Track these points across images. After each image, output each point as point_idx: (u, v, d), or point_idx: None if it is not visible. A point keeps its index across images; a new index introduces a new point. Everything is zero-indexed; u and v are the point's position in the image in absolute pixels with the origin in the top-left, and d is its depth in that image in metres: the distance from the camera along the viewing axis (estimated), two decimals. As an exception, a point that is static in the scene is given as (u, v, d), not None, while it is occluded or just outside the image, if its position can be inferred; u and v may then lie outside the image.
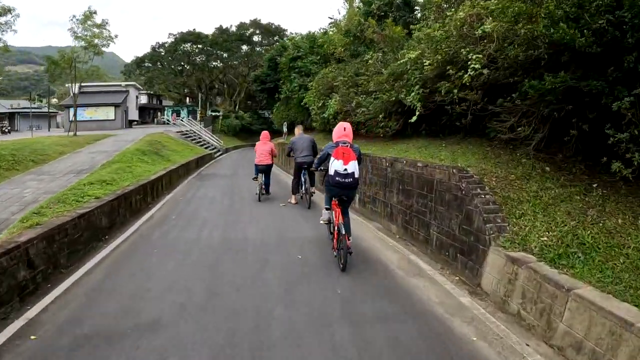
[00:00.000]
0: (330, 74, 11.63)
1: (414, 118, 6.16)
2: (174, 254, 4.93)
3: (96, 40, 18.53)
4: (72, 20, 18.03)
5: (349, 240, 4.22)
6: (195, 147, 20.55)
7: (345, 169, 4.23)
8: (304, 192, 8.02)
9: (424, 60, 5.89)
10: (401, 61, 6.49)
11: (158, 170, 10.12)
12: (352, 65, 11.15)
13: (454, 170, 4.34)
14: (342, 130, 4.58)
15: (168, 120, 35.66)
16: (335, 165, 4.26)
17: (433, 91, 6.12)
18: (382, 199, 6.35)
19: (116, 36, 19.69)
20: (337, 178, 4.26)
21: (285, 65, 17.09)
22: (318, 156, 5.04)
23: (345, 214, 4.54)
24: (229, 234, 5.81)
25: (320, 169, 5.08)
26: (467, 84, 5.09)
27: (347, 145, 4.38)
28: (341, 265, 4.26)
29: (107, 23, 19.03)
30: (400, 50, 8.59)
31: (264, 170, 8.51)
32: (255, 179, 8.68)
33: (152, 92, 45.65)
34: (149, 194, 8.11)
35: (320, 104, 11.27)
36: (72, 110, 30.01)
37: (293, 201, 8.03)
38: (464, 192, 4.14)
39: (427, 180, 4.88)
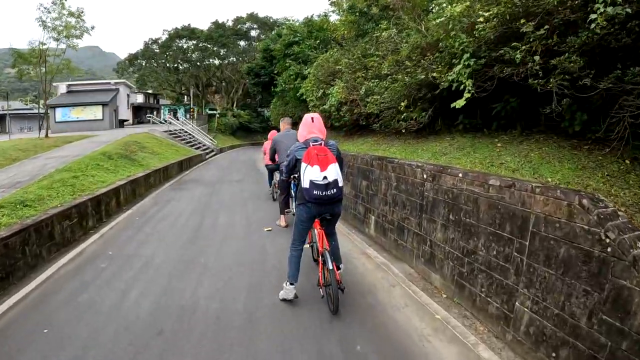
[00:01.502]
0: (331, 58, 9.47)
1: (462, 102, 4.00)
2: (61, 349, 2.82)
3: (71, 31, 16.62)
4: (39, 9, 16.05)
5: (338, 270, 3.36)
6: (182, 148, 18.47)
7: (325, 177, 3.10)
8: (295, 208, 5.93)
9: (479, 15, 3.75)
10: (439, 20, 4.33)
11: (117, 180, 8.05)
12: (359, 46, 8.99)
13: (583, 202, 2.15)
14: (310, 121, 3.44)
15: (164, 120, 33.69)
16: (310, 174, 3.12)
17: (489, 63, 3.99)
18: (416, 230, 4.19)
19: (92, 28, 17.80)
20: (314, 191, 3.11)
21: (280, 52, 14.79)
22: (284, 163, 3.64)
23: (331, 235, 3.55)
24: (170, 296, 3.65)
25: (294, 178, 3.86)
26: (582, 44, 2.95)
27: (320, 144, 3.26)
28: (332, 307, 3.22)
29: (82, 12, 17.15)
30: (425, 17, 6.47)
31: (274, 170, 7.76)
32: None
33: (150, 92, 43.66)
34: (90, 216, 6.03)
35: (319, 94, 9.11)
36: (57, 110, 28.48)
37: (282, 223, 5.91)
38: (608, 250, 1.99)
39: (513, 212, 2.70)
